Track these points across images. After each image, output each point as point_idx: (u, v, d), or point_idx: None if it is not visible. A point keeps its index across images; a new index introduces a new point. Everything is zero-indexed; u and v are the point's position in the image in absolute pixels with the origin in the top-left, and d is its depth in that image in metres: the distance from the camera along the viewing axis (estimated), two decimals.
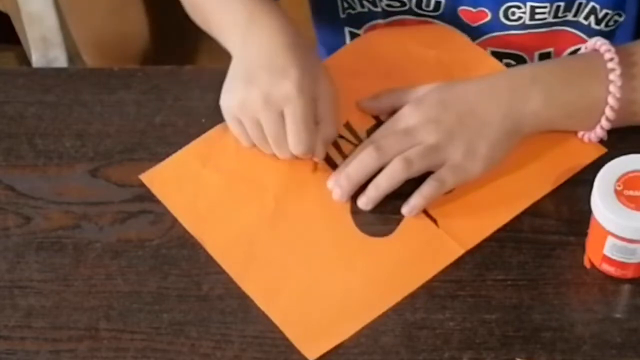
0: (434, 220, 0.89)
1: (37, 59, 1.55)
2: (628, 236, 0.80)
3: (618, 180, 0.81)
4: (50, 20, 1.51)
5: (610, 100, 0.89)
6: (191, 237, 0.89)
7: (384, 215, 0.89)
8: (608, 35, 1.01)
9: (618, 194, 0.80)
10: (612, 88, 0.89)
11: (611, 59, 0.89)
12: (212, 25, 0.99)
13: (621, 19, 1.04)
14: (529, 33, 1.05)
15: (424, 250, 0.87)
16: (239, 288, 0.86)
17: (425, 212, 0.89)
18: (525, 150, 0.91)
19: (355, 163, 0.89)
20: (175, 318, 0.84)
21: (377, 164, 0.89)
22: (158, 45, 1.45)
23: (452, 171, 0.88)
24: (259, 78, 0.89)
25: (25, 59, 1.64)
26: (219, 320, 0.84)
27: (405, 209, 0.88)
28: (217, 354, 0.82)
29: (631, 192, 0.80)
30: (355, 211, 0.90)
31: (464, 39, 1.04)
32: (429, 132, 0.89)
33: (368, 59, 1.01)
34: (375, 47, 1.03)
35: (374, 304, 0.84)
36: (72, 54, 1.55)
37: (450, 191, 0.89)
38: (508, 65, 1.03)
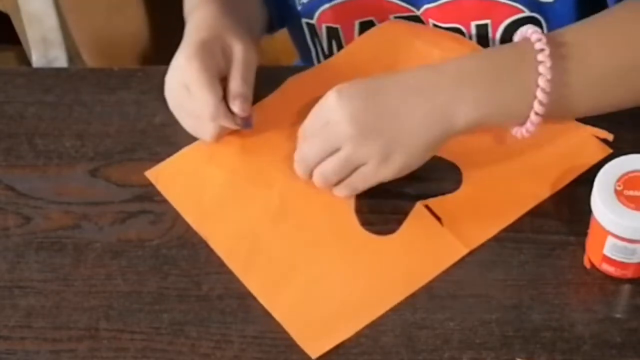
0: (439, 219, 0.89)
1: (37, 59, 1.55)
2: (628, 236, 0.80)
3: (618, 180, 0.81)
4: (50, 20, 1.51)
5: (539, 95, 0.86)
6: (191, 237, 0.89)
7: (387, 214, 0.89)
8: (547, 6, 0.99)
9: (618, 194, 0.80)
10: (541, 81, 0.85)
11: (542, 50, 0.86)
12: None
13: None
14: None
15: (427, 249, 0.87)
16: (239, 288, 0.86)
17: (430, 210, 0.89)
18: (530, 150, 0.91)
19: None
20: (175, 318, 0.84)
21: (304, 175, 0.90)
22: (158, 45, 1.45)
23: (363, 177, 0.88)
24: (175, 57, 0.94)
25: (25, 59, 1.64)
26: (219, 320, 0.84)
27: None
28: (217, 354, 0.82)
29: (631, 192, 0.80)
30: (359, 209, 0.90)
31: (472, 43, 1.03)
32: (345, 136, 0.86)
33: (374, 54, 1.02)
34: (382, 42, 1.03)
35: (378, 302, 0.84)
36: (72, 54, 1.55)
37: (455, 190, 0.89)
38: None
